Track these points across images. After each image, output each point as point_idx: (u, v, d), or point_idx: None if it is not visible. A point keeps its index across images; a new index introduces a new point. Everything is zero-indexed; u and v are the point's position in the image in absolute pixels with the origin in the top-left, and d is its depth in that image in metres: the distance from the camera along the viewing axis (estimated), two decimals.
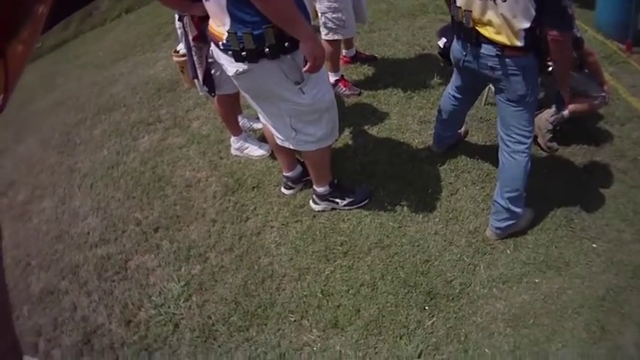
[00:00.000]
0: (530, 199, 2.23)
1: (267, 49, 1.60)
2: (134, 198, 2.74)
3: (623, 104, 3.16)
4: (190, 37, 2.16)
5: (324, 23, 2.73)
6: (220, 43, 1.68)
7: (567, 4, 1.64)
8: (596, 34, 4.16)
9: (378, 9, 4.13)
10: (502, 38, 1.76)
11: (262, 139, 2.78)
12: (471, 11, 1.79)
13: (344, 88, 3.08)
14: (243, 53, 1.63)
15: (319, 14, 2.71)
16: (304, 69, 1.65)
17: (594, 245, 2.22)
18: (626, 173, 2.58)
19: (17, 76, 0.62)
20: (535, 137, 2.45)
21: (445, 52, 2.29)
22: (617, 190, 2.48)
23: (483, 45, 1.81)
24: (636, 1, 4.01)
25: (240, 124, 2.84)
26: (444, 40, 2.38)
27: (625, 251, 2.18)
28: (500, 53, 1.78)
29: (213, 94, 2.43)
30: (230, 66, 1.73)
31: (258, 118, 2.57)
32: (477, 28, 1.80)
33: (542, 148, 2.70)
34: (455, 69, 2.21)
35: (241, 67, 1.68)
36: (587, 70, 2.62)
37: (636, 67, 3.91)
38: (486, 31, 1.79)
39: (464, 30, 1.86)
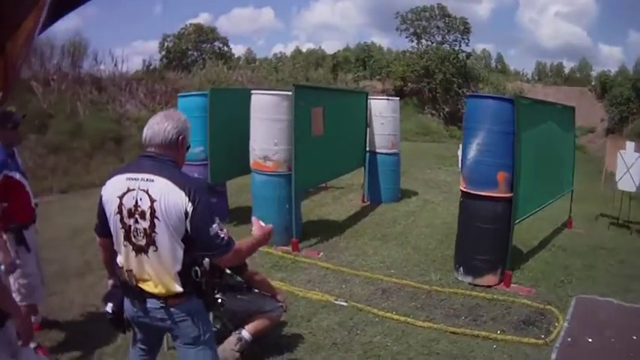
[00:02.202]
0: None
1: None
2: None
3: (303, 302, 3.70)
4: None
5: (18, 289, 2.82)
6: None
7: (217, 231, 1.78)
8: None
9: (49, 270, 3.77)
10: (161, 289, 1.84)
11: None
12: (131, 270, 1.86)
13: (43, 356, 2.80)
14: None
15: (12, 280, 2.77)
16: (20, 343, 1.75)
17: None
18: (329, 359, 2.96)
19: (17, 73, 0.72)
20: None
21: (114, 317, 2.13)
22: None
23: (148, 300, 1.87)
24: (294, 206, 4.99)
25: None
26: (110, 305, 2.17)
27: None
28: (164, 305, 1.86)
29: None
30: None
31: None
32: (139, 285, 1.87)
33: None
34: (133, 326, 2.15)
35: None
36: (256, 290, 2.93)
37: (306, 262, 4.69)
38: (147, 286, 1.86)
39: (129, 289, 1.91)
